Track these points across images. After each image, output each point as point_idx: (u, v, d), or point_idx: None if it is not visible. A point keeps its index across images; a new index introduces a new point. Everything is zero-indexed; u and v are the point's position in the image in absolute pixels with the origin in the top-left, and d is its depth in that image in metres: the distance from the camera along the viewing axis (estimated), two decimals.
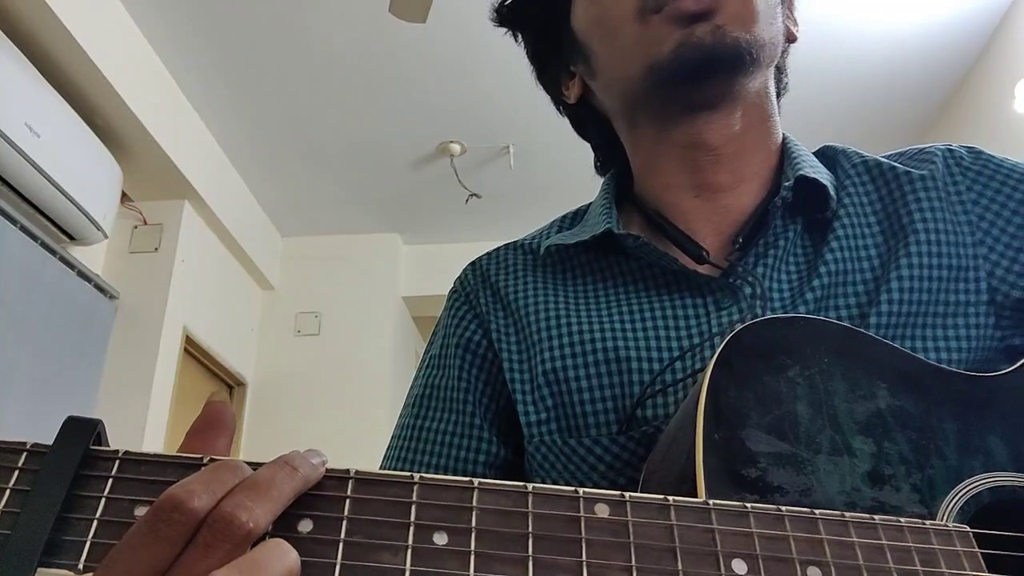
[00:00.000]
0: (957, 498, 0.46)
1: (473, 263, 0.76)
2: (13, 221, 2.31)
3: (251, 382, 3.76)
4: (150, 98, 2.79)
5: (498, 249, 0.76)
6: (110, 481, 0.35)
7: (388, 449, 0.71)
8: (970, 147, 0.67)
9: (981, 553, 0.42)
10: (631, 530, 0.38)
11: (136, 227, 3.13)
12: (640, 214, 0.70)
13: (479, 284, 0.72)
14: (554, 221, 0.77)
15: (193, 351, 3.27)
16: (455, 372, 0.69)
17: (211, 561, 0.32)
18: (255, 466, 0.36)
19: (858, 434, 0.47)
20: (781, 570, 0.38)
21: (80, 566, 0.33)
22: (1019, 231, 0.61)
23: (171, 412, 2.97)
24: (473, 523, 0.36)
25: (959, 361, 0.57)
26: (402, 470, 0.67)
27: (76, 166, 2.50)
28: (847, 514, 0.41)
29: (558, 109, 0.79)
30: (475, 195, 3.61)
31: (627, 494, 0.39)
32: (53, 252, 2.50)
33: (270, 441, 3.54)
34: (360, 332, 3.89)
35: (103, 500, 0.35)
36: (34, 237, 2.40)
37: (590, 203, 0.76)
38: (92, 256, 2.88)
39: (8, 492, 0.34)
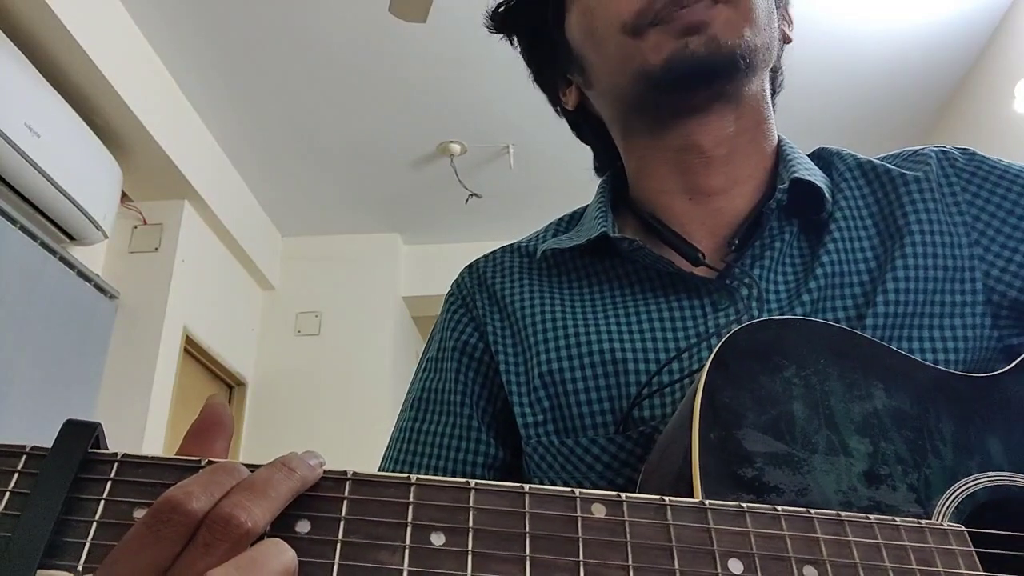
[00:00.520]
0: (953, 497, 0.46)
1: (470, 266, 0.76)
2: (13, 221, 2.31)
3: (251, 382, 3.76)
4: (150, 98, 2.79)
5: (495, 252, 0.76)
6: (109, 483, 0.35)
7: (386, 452, 0.72)
8: (963, 148, 0.67)
9: (977, 552, 0.43)
10: (628, 530, 0.38)
11: (136, 227, 3.13)
12: (635, 217, 0.71)
13: (475, 287, 0.73)
14: (550, 224, 0.77)
15: (193, 351, 3.27)
16: (452, 375, 0.69)
17: (210, 560, 0.32)
18: (253, 468, 0.36)
19: (854, 434, 0.47)
20: (777, 569, 0.39)
21: (80, 567, 0.33)
22: (1014, 231, 0.61)
23: (171, 412, 2.97)
24: (470, 523, 0.37)
25: (956, 361, 0.57)
26: (400, 472, 0.67)
27: (76, 166, 2.50)
28: (843, 513, 0.41)
29: (556, 111, 0.79)
30: (475, 195, 3.61)
31: (623, 494, 0.39)
32: (53, 252, 2.50)
33: (270, 441, 3.55)
34: (360, 332, 3.89)
35: (102, 502, 0.35)
36: (34, 237, 2.40)
37: (586, 206, 0.76)
38: (92, 256, 2.88)
39: (8, 495, 0.34)
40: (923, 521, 0.43)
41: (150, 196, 3.13)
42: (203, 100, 3.10)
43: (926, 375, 0.52)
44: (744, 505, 0.40)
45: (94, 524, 0.34)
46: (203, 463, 0.36)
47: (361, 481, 0.37)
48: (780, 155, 0.68)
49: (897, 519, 0.42)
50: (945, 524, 0.43)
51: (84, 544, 0.34)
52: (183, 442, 0.39)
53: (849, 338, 0.52)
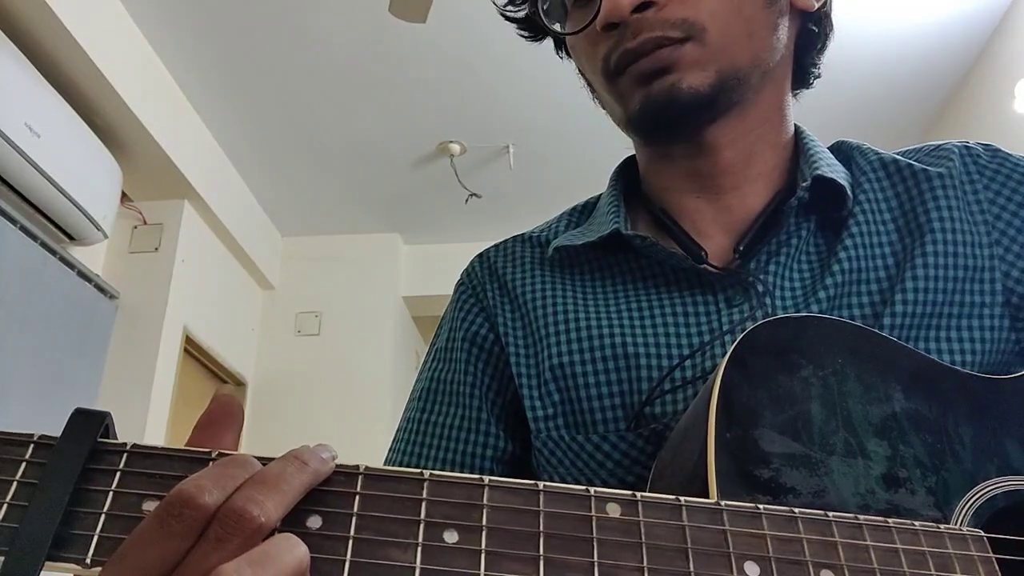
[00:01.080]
0: (972, 502, 0.45)
1: (481, 255, 0.75)
2: (13, 221, 2.30)
3: (251, 382, 3.76)
4: (150, 98, 2.78)
5: (506, 241, 0.75)
6: (118, 475, 0.35)
7: (393, 443, 0.71)
8: (987, 144, 0.66)
9: (996, 558, 0.42)
10: (643, 530, 0.37)
11: (136, 227, 3.12)
12: (648, 212, 0.70)
13: (486, 277, 0.72)
14: (563, 214, 0.76)
15: (193, 351, 3.26)
16: (461, 366, 0.68)
17: (222, 555, 0.31)
18: (264, 461, 0.35)
19: (872, 436, 0.46)
20: (794, 573, 0.38)
21: (88, 560, 0.33)
22: None
23: (171, 412, 2.96)
24: (484, 521, 0.36)
25: (973, 363, 0.57)
26: (407, 464, 0.67)
27: (76, 166, 2.49)
28: (861, 517, 0.41)
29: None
30: (475, 195, 3.61)
31: (639, 494, 0.39)
32: (53, 252, 2.49)
33: (270, 441, 3.53)
34: (360, 332, 3.89)
35: (111, 494, 0.34)
36: (34, 237, 2.39)
37: (599, 195, 0.75)
38: (92, 256, 2.88)
39: (15, 485, 0.34)
40: (942, 526, 0.42)
41: (150, 196, 3.12)
42: (203, 100, 3.09)
43: (944, 376, 0.51)
44: (761, 507, 0.39)
45: (103, 516, 0.34)
46: (213, 455, 0.36)
47: (374, 476, 0.37)
48: (800, 148, 0.67)
49: (916, 523, 0.41)
50: (964, 529, 0.43)
51: (92, 537, 0.33)
52: (192, 434, 0.38)
53: (867, 337, 0.51)
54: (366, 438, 3.15)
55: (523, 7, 0.73)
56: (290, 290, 3.99)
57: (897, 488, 0.45)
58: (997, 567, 0.42)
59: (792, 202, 0.62)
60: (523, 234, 0.75)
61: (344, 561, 0.34)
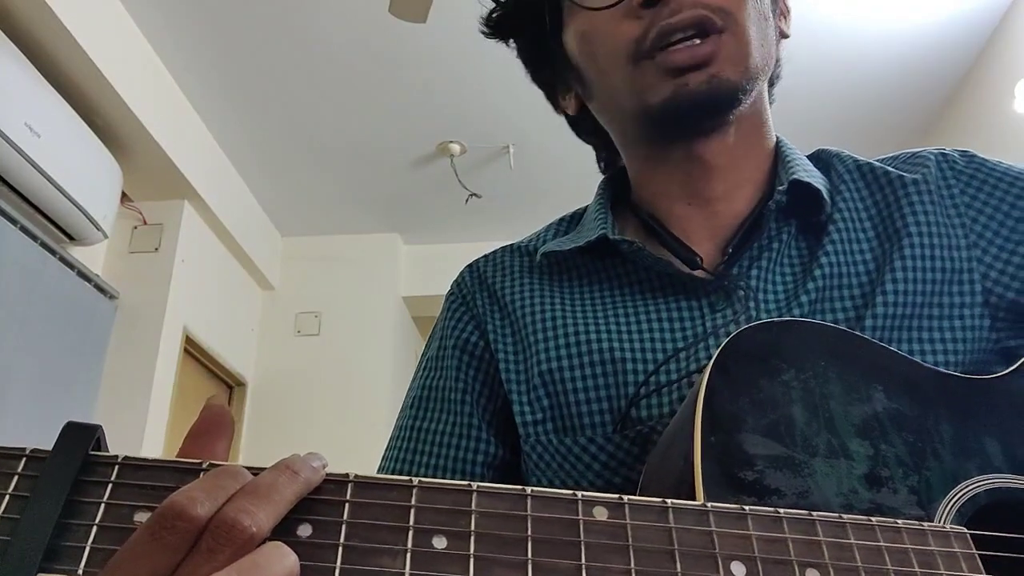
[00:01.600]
0: (954, 500, 0.46)
1: (470, 266, 0.76)
2: (13, 221, 2.31)
3: (251, 382, 3.76)
4: (150, 98, 2.79)
5: (495, 252, 0.76)
6: (109, 486, 0.35)
7: (386, 450, 0.71)
8: (963, 151, 0.67)
9: (979, 554, 0.42)
10: (630, 533, 0.38)
11: (136, 227, 3.12)
12: (636, 218, 0.71)
13: (476, 286, 0.73)
14: (551, 224, 0.77)
15: (193, 351, 3.27)
16: (452, 373, 0.69)
17: (213, 565, 0.32)
18: (255, 471, 0.36)
19: (855, 436, 0.47)
20: (779, 572, 0.39)
21: (80, 572, 0.33)
22: (1012, 233, 0.61)
23: (171, 412, 2.97)
24: (472, 526, 0.37)
25: (954, 363, 0.58)
26: (401, 471, 0.68)
27: (76, 166, 2.49)
28: (845, 516, 0.41)
29: (555, 109, 0.79)
30: (475, 195, 3.61)
31: (625, 497, 0.39)
32: (53, 252, 2.50)
33: (270, 441, 3.54)
34: (360, 332, 3.89)
35: (102, 506, 0.35)
36: (34, 237, 2.40)
37: (587, 206, 0.76)
38: (92, 256, 2.88)
39: (7, 498, 0.34)
40: (925, 523, 0.43)
41: (150, 196, 3.12)
42: (203, 100, 3.10)
43: (925, 377, 0.52)
44: (746, 508, 0.40)
45: (94, 528, 0.34)
46: (204, 466, 0.36)
47: (363, 484, 0.37)
48: (778, 156, 0.68)
49: (899, 522, 0.42)
50: (947, 526, 0.43)
51: (84, 548, 0.34)
52: (183, 444, 0.38)
53: (849, 340, 0.52)
54: (366, 438, 3.15)
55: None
56: (290, 290, 4.00)
57: (880, 487, 0.45)
58: (980, 563, 0.42)
59: (770, 205, 0.63)
60: (511, 244, 0.76)
61: (334, 568, 0.35)
